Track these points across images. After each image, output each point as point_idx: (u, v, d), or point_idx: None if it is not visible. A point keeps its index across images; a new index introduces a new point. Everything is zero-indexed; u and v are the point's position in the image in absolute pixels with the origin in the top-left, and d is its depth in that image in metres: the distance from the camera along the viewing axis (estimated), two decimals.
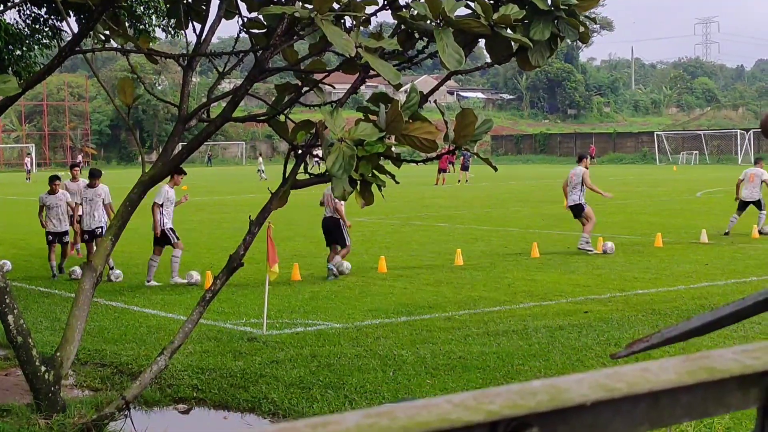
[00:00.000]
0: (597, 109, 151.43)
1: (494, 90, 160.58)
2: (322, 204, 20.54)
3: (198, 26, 9.79)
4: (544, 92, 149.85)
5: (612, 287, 18.60)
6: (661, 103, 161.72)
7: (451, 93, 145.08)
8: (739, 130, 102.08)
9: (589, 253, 23.69)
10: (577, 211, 24.77)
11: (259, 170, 73.89)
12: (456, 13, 7.97)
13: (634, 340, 1.57)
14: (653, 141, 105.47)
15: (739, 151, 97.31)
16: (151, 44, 10.12)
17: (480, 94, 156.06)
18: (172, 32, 19.50)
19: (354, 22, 8.20)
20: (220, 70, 9.59)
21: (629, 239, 26.87)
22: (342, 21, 8.19)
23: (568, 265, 21.83)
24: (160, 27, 20.07)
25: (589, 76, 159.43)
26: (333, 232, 20.35)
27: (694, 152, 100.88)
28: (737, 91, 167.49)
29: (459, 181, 61.19)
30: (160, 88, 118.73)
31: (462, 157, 60.93)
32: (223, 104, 9.87)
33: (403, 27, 8.33)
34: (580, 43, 9.11)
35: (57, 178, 21.94)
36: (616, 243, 25.61)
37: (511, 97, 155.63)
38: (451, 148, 8.10)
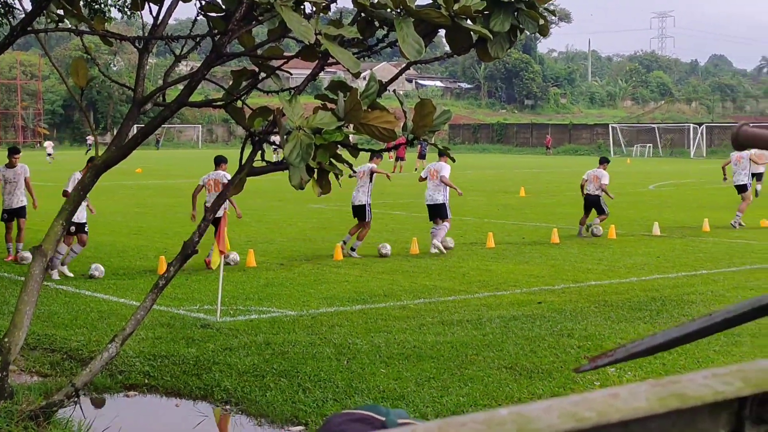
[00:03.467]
0: (553, 100, 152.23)
1: (452, 79, 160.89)
2: (583, 184, 26.28)
3: (154, 7, 9.67)
4: (501, 82, 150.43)
5: (565, 278, 18.67)
6: (617, 96, 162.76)
7: (409, 81, 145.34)
8: (692, 124, 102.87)
9: (738, 227, 27.46)
10: (742, 189, 28.20)
11: (48, 154, 75.69)
12: (416, 3, 7.92)
13: (598, 354, 1.53)
14: (608, 133, 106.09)
15: (691, 145, 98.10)
16: (106, 25, 9.97)
17: (438, 83, 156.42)
18: (128, 13, 19.29)
19: (314, 9, 8.12)
20: (177, 53, 9.48)
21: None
22: (302, 7, 8.11)
23: (523, 256, 21.90)
24: (115, 7, 19.85)
25: (547, 67, 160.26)
26: (595, 204, 25.75)
27: (648, 145, 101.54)
28: (691, 85, 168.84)
29: (416, 169, 61.25)
30: (115, 68, 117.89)
31: (419, 146, 60.95)
32: (180, 87, 9.76)
33: (363, 15, 8.26)
34: (538, 35, 9.08)
35: (17, 151, 20.89)
36: (570, 234, 25.74)
37: (469, 86, 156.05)
38: (409, 138, 8.05)
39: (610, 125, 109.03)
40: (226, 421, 10.79)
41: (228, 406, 10.88)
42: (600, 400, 1.05)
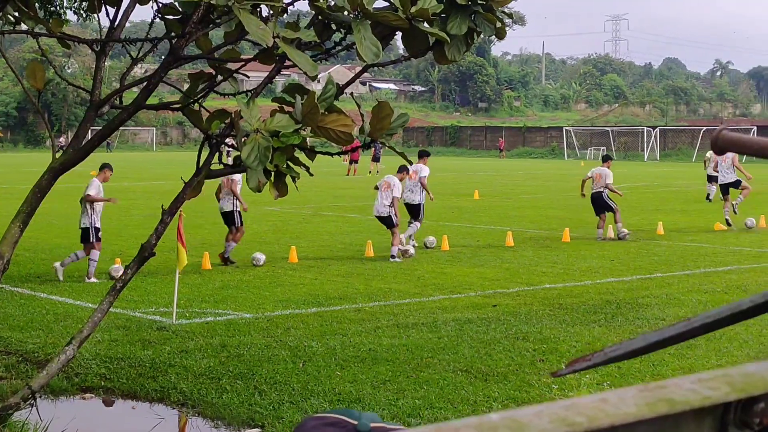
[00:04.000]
0: (507, 103, 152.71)
1: (406, 81, 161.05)
2: (585, 180, 26.63)
3: (111, 10, 9.63)
4: (455, 85, 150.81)
5: (520, 281, 18.76)
6: (571, 99, 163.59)
7: (363, 84, 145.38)
8: (645, 127, 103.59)
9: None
10: (736, 185, 28.97)
11: None
12: (374, 6, 7.95)
13: (575, 358, 1.56)
14: (562, 136, 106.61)
15: (645, 148, 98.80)
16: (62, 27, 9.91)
17: (392, 86, 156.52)
18: (84, 15, 19.20)
19: (271, 12, 8.13)
20: (134, 55, 9.45)
21: (537, 233, 27.14)
22: (258, 10, 8.12)
23: (478, 259, 21.98)
24: (71, 9, 19.74)
25: (501, 70, 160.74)
26: (600, 204, 26.02)
27: (602, 148, 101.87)
28: (645, 88, 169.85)
29: (370, 172, 61.27)
30: (69, 71, 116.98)
31: (373, 149, 61.01)
32: (135, 90, 9.74)
33: (320, 17, 8.28)
34: (492, 37, 9.13)
35: None
36: (524, 237, 25.86)
37: (423, 89, 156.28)
38: (366, 141, 8.08)
39: (564, 128, 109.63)
40: (183, 424, 10.79)
41: (184, 409, 10.88)
42: (590, 405, 1.07)
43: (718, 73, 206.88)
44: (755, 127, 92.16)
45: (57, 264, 18.76)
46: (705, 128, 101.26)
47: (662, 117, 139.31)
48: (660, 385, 1.13)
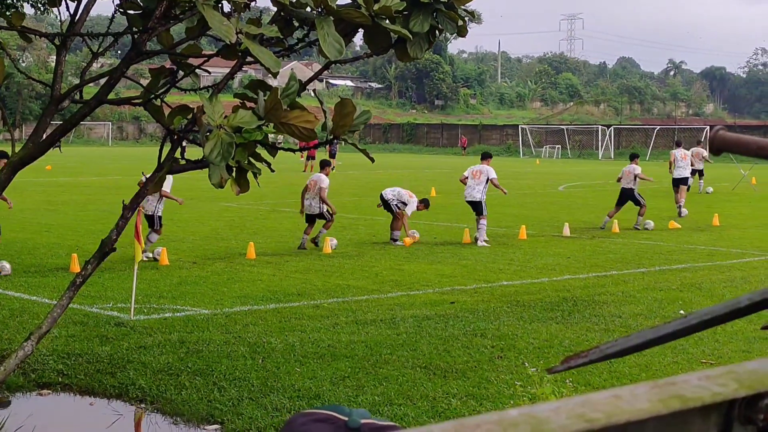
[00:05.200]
0: (463, 100, 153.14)
1: (363, 78, 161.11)
2: (619, 180, 29.07)
3: (71, 3, 9.57)
4: (412, 82, 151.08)
5: (478, 278, 18.84)
6: (526, 97, 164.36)
7: (320, 80, 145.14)
8: (600, 126, 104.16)
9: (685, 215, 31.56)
10: (685, 182, 32.97)
11: None
12: (336, 2, 7.96)
13: (571, 355, 1.58)
14: (517, 134, 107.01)
15: (599, 147, 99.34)
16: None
17: (349, 82, 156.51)
18: (42, 8, 19.06)
19: (233, 8, 8.12)
20: (94, 50, 9.39)
21: (494, 231, 27.19)
22: (220, 5, 8.11)
23: (435, 256, 22.05)
24: (28, 2, 19.57)
25: (457, 67, 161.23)
26: (630, 197, 28.20)
27: (557, 146, 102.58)
28: (599, 87, 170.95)
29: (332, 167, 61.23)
30: (24, 64, 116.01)
31: (329, 145, 60.90)
32: (92, 85, 9.69)
33: (282, 14, 8.27)
34: (449, 35, 9.17)
35: None
36: None
37: (380, 86, 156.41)
38: (328, 138, 8.08)
39: (519, 126, 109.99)
40: (141, 420, 10.75)
41: (143, 405, 10.84)
42: (605, 401, 1.09)
43: (672, 73, 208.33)
44: (708, 127, 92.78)
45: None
46: (659, 127, 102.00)
47: (616, 116, 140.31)
48: (669, 382, 1.16)
